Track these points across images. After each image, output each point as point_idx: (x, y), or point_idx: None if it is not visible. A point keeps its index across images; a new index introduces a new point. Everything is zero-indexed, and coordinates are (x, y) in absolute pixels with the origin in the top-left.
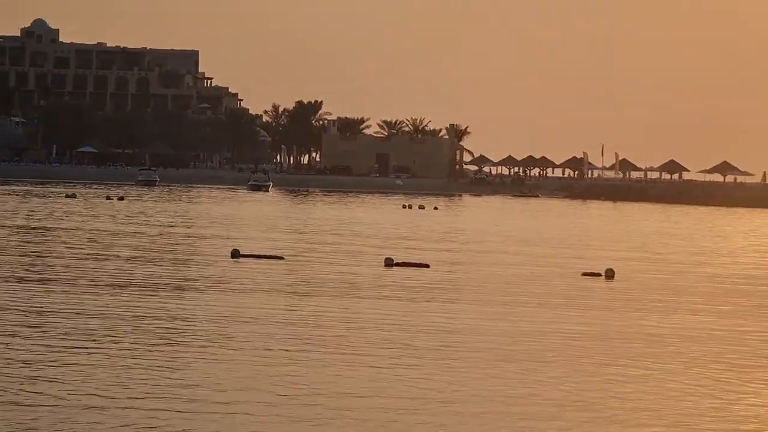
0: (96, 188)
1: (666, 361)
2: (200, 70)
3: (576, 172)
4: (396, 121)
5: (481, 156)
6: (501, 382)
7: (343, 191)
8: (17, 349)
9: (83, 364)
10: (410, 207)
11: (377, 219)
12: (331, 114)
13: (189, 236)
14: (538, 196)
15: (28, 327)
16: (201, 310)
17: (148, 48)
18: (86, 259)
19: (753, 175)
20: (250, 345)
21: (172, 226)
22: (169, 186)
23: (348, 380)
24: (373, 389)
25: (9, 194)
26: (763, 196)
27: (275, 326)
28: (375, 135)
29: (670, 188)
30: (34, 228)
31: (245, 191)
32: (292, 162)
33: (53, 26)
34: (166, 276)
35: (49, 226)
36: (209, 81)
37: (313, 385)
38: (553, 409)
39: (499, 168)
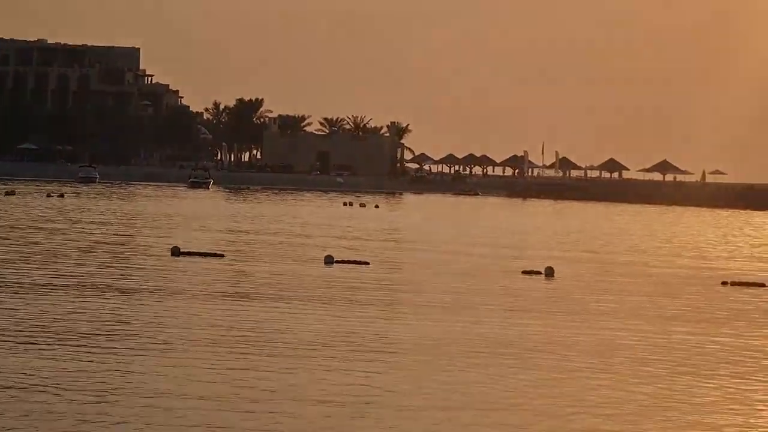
0: (36, 185)
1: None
2: (141, 67)
3: (516, 171)
4: (337, 119)
5: (422, 154)
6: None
7: (284, 189)
8: None
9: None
10: (351, 205)
11: (318, 217)
12: (272, 112)
13: (127, 233)
14: (478, 194)
15: None
16: (136, 310)
17: (89, 45)
18: (22, 256)
19: (692, 174)
20: (182, 347)
21: (110, 224)
22: (109, 183)
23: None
24: (291, 391)
25: None
26: (702, 195)
27: (212, 329)
28: (316, 133)
29: (610, 187)
30: None
31: (185, 189)
32: (233, 160)
33: None
34: (103, 274)
35: None
36: (150, 78)
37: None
38: (441, 413)
39: (440, 166)
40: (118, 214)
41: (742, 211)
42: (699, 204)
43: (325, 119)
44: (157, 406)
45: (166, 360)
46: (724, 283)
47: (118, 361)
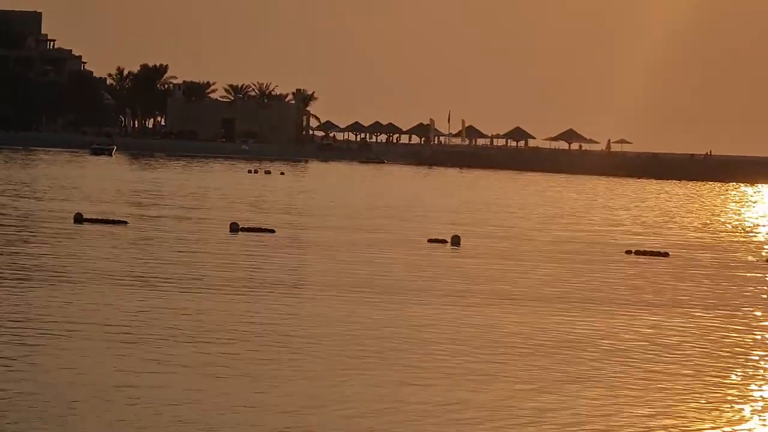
0: None
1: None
2: (43, 31)
3: (423, 139)
4: (242, 86)
5: (328, 122)
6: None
7: (188, 156)
8: None
9: None
10: (256, 172)
11: (223, 184)
12: (176, 78)
13: (29, 200)
14: (384, 162)
15: None
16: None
17: None
18: None
19: (598, 143)
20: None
21: (10, 191)
22: (10, 149)
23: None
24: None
25: None
26: (607, 164)
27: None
28: (221, 99)
29: (516, 155)
30: None
31: (88, 155)
32: (136, 126)
33: None
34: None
35: None
36: (52, 43)
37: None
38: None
39: (346, 134)
40: (19, 180)
41: (646, 180)
42: (604, 173)
43: (230, 86)
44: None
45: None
46: (628, 252)
47: None
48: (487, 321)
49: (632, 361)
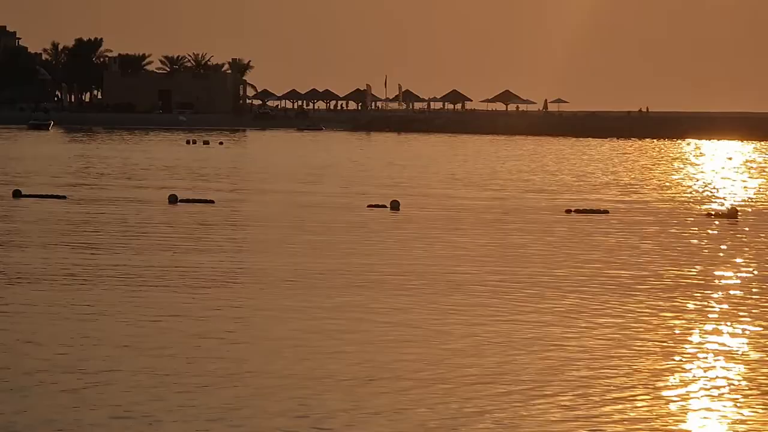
0: None
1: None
2: None
3: (360, 105)
4: (178, 57)
5: (265, 90)
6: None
7: (126, 129)
8: None
9: None
10: (194, 143)
11: (161, 156)
12: (111, 51)
13: None
14: (322, 129)
15: None
16: None
17: None
18: None
19: (535, 103)
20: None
21: None
22: None
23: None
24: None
25: None
26: (544, 124)
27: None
28: (157, 71)
29: (453, 118)
30: None
31: (25, 130)
32: (73, 100)
33: None
34: None
35: None
36: None
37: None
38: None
39: (283, 102)
40: None
41: (584, 139)
42: (542, 133)
43: (166, 57)
44: None
45: None
46: (567, 211)
47: None
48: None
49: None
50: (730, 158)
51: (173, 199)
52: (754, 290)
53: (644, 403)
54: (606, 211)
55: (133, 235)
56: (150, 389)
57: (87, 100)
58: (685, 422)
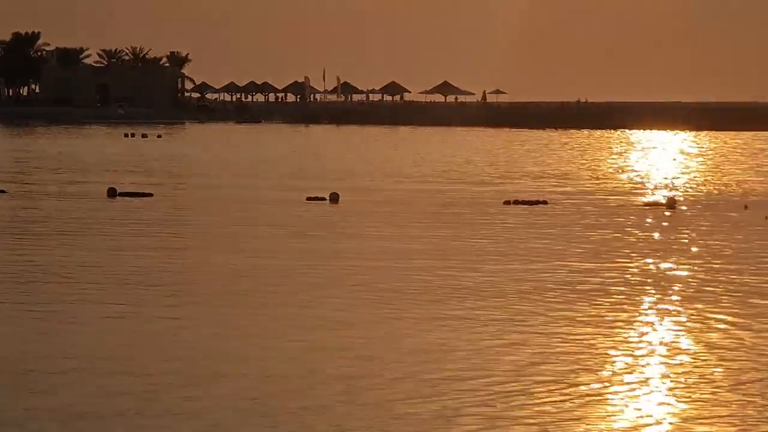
0: None
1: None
2: None
3: (298, 97)
4: (116, 50)
5: (203, 83)
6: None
7: (64, 122)
8: None
9: None
10: (133, 136)
11: (100, 149)
12: (49, 45)
13: None
14: (261, 122)
15: None
16: None
17: None
18: None
19: (474, 94)
20: None
21: None
22: None
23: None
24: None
25: None
26: (483, 115)
27: None
28: (95, 65)
29: (392, 110)
30: None
31: None
32: (11, 95)
33: None
34: None
35: None
36: None
37: None
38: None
39: (222, 95)
40: None
41: (522, 130)
42: (481, 124)
43: (104, 51)
44: None
45: None
46: (506, 202)
47: None
48: (365, 274)
49: (503, 304)
50: (668, 148)
51: (112, 193)
52: (694, 279)
53: (592, 399)
54: (545, 202)
55: (72, 229)
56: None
57: (25, 94)
58: (620, 420)
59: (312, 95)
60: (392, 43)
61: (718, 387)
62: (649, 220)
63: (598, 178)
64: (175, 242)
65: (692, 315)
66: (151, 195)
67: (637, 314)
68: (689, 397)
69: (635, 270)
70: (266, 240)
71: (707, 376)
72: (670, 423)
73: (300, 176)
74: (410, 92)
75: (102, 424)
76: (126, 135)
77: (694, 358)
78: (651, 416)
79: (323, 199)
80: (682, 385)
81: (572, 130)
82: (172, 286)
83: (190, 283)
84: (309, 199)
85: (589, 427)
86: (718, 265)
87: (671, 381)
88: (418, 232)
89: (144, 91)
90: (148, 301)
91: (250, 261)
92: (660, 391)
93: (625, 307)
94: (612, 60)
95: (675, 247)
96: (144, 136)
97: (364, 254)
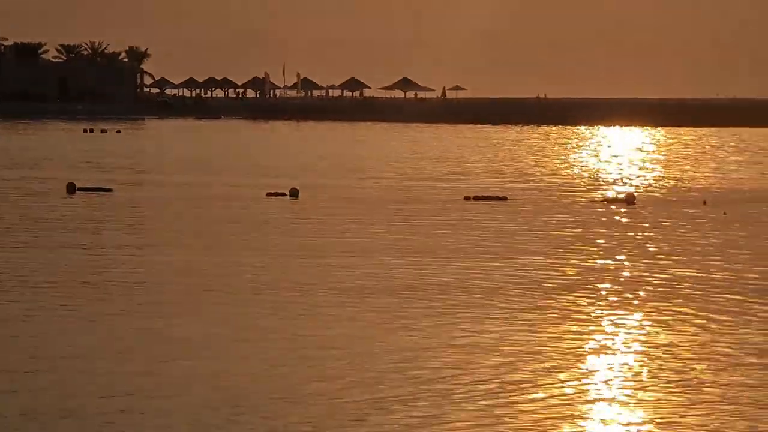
0: None
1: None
2: None
3: (258, 93)
4: (74, 45)
5: (163, 78)
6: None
7: (22, 118)
8: None
9: None
10: (92, 131)
11: (59, 145)
12: (7, 39)
13: None
14: (221, 118)
15: None
16: None
17: None
18: None
19: (434, 90)
20: None
21: None
22: None
23: None
24: None
25: None
26: (443, 111)
27: None
28: (54, 60)
29: (352, 106)
30: None
31: None
32: None
33: None
34: None
35: None
36: None
37: None
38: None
39: (181, 90)
40: None
41: (483, 126)
42: (441, 120)
43: (63, 45)
44: None
45: None
46: (466, 198)
47: None
48: (322, 270)
49: (466, 302)
50: (627, 144)
51: (71, 188)
52: (652, 275)
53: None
54: (505, 198)
55: (31, 225)
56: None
57: None
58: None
59: (272, 91)
60: (353, 40)
61: (671, 383)
62: (608, 216)
63: (558, 174)
64: (133, 240)
65: (651, 311)
66: (110, 190)
67: (598, 310)
68: (647, 393)
69: (595, 266)
70: (226, 236)
71: (663, 373)
72: (631, 421)
73: (260, 172)
74: (370, 88)
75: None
76: (85, 130)
77: (652, 354)
78: (613, 416)
79: (283, 194)
80: (638, 382)
81: (532, 126)
82: (129, 285)
83: (146, 282)
84: (269, 194)
85: (560, 425)
86: (677, 261)
87: (627, 377)
88: (379, 228)
89: (103, 87)
90: (99, 299)
91: (207, 259)
92: (616, 388)
93: (584, 303)
94: (572, 56)
95: (634, 243)
96: (103, 131)
97: (326, 251)
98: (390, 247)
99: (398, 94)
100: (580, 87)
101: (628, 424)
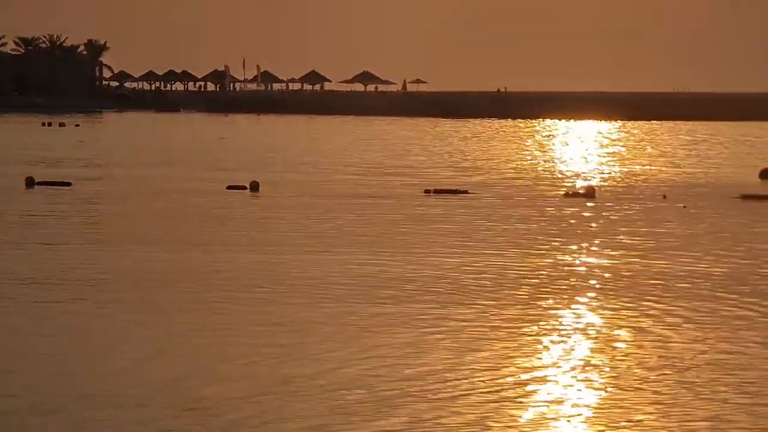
0: None
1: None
2: None
3: (218, 86)
4: (33, 38)
5: (122, 72)
6: None
7: None
8: None
9: None
10: (50, 125)
11: (17, 138)
12: None
13: None
14: (180, 111)
15: None
16: None
17: None
18: None
19: (394, 83)
20: None
21: None
22: None
23: None
24: None
25: None
26: (404, 105)
27: None
28: (11, 53)
29: (313, 99)
30: None
31: None
32: None
33: None
34: None
35: None
36: None
37: None
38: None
39: (140, 83)
40: None
41: (444, 120)
42: (402, 114)
43: (20, 38)
44: None
45: None
46: (426, 192)
47: None
48: (282, 264)
49: (429, 299)
50: (588, 138)
51: (30, 182)
52: (612, 269)
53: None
54: (465, 192)
55: None
56: None
57: None
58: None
59: (232, 84)
60: (313, 33)
61: (631, 376)
62: (568, 210)
63: (518, 168)
64: (91, 235)
65: (610, 305)
66: (69, 184)
67: (558, 305)
68: (605, 387)
69: (555, 260)
70: (185, 230)
71: (620, 365)
72: (587, 417)
73: (220, 165)
74: (330, 81)
75: None
76: (44, 124)
77: (610, 347)
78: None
79: (244, 187)
80: (598, 375)
81: (493, 120)
82: (84, 282)
83: (103, 280)
84: (229, 187)
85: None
86: (636, 255)
87: (588, 371)
88: (340, 221)
89: (62, 80)
90: (55, 296)
91: (166, 255)
92: (576, 383)
93: (544, 297)
94: (534, 50)
95: (594, 236)
96: (62, 125)
97: (285, 245)
98: (350, 241)
99: (359, 87)
100: (541, 80)
101: (593, 420)
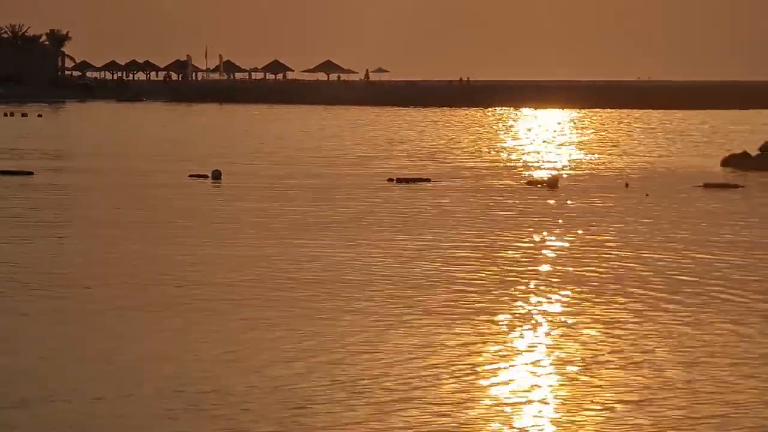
0: None
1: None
2: None
3: (180, 75)
4: None
5: (84, 61)
6: None
7: None
8: None
9: None
10: (12, 115)
11: None
12: None
13: None
14: (143, 101)
15: None
16: None
17: None
18: None
19: (357, 73)
20: None
21: None
22: None
23: None
24: None
25: None
26: (367, 94)
27: None
28: None
29: (275, 88)
30: None
31: None
32: None
33: None
34: None
35: None
36: None
37: None
38: None
39: (103, 73)
40: None
41: (407, 109)
42: (365, 103)
43: None
44: None
45: None
46: (390, 180)
47: None
48: (243, 253)
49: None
50: (551, 126)
51: None
52: (575, 260)
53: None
54: (428, 180)
55: None
56: None
57: None
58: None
59: (194, 74)
60: (275, 22)
61: (589, 372)
62: (531, 199)
63: (481, 157)
64: (52, 227)
65: (571, 298)
66: (31, 173)
67: (519, 296)
68: (563, 386)
69: (516, 249)
70: (146, 222)
71: (579, 361)
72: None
73: (181, 155)
74: (293, 71)
75: None
76: (6, 114)
77: (570, 337)
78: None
79: (205, 176)
80: (553, 375)
81: (455, 109)
82: (45, 275)
83: (63, 273)
84: (191, 176)
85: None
86: (599, 245)
87: (546, 369)
88: (304, 211)
89: (24, 70)
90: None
91: (127, 246)
92: (535, 383)
93: (505, 286)
94: (498, 38)
95: (557, 226)
96: (24, 115)
97: (245, 237)
98: (315, 232)
99: (321, 76)
100: (504, 69)
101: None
